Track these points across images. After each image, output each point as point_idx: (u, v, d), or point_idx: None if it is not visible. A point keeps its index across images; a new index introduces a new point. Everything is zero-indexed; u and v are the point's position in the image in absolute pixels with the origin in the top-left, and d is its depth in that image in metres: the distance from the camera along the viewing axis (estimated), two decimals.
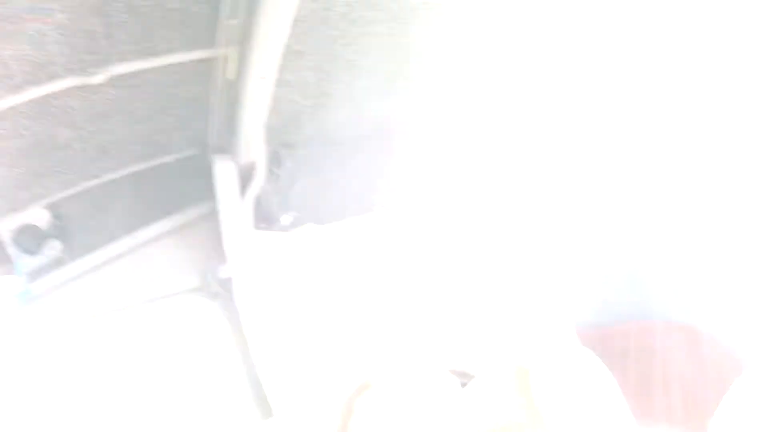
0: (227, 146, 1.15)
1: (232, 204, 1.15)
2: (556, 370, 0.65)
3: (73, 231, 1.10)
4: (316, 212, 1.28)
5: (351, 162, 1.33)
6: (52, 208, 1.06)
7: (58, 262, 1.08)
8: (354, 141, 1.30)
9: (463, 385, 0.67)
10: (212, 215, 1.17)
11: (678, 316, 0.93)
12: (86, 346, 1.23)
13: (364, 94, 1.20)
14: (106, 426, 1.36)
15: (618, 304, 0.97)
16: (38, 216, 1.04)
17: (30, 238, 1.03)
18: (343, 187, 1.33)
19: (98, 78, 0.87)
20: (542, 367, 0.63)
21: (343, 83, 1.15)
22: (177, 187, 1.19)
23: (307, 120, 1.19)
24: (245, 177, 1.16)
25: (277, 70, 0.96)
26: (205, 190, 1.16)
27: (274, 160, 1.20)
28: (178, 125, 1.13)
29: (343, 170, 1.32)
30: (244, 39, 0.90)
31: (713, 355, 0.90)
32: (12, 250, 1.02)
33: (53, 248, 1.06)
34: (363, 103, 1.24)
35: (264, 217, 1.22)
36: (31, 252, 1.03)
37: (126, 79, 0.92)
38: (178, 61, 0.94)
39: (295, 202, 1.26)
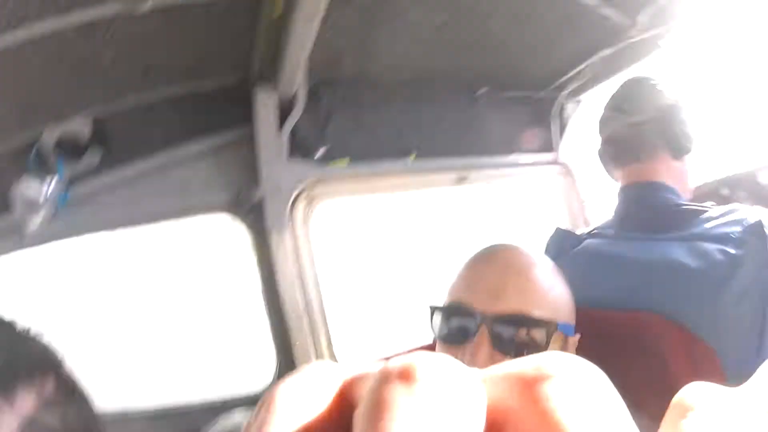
0: (269, 77, 1.17)
1: (269, 132, 1.20)
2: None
3: (112, 143, 1.13)
4: (348, 149, 1.35)
5: (387, 105, 1.38)
6: (95, 120, 1.09)
7: (96, 171, 1.12)
8: (393, 86, 1.35)
9: None
10: (249, 141, 1.21)
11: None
12: (116, 254, 1.29)
13: (408, 42, 1.24)
14: (127, 333, 1.45)
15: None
16: (81, 125, 1.06)
17: (71, 146, 1.06)
18: (377, 128, 1.39)
19: (146, 6, 0.89)
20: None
21: (388, 30, 1.18)
22: (216, 111, 1.23)
23: (349, 60, 1.23)
24: (284, 108, 1.20)
25: (324, 9, 0.98)
26: (244, 117, 1.21)
27: (313, 95, 1.24)
28: (221, 54, 1.16)
29: (379, 112, 1.38)
30: None
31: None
32: (54, 156, 1.05)
33: (93, 157, 1.09)
34: (406, 51, 1.27)
35: (298, 148, 1.27)
36: (71, 158, 1.06)
37: (172, 8, 0.94)
38: None
39: (329, 137, 1.32)
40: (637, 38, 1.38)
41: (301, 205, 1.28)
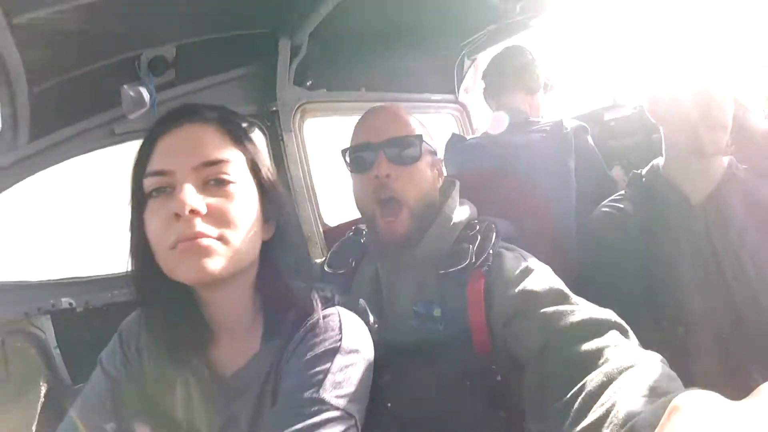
0: (287, 33, 1.79)
1: (284, 67, 1.82)
2: None
3: (180, 66, 1.66)
4: (325, 82, 2.00)
5: (351, 55, 2.03)
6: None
7: (171, 84, 1.65)
8: (355, 41, 1.99)
9: None
10: (269, 72, 1.83)
11: None
12: None
13: (369, 14, 1.86)
14: None
15: None
16: (168, 51, 1.59)
17: (158, 65, 1.58)
18: (343, 70, 2.06)
19: None
20: None
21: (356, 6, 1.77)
22: (249, 50, 1.79)
23: (330, 24, 1.78)
24: (293, 52, 1.83)
25: None
26: (267, 55, 1.80)
27: (309, 45, 1.86)
28: (257, 13, 1.69)
29: (345, 59, 2.03)
30: None
31: None
32: (146, 72, 1.56)
33: (170, 74, 1.62)
34: (367, 19, 1.89)
35: (298, 78, 1.90)
36: (158, 74, 1.58)
37: None
38: None
39: (314, 73, 1.96)
40: (515, 19, 2.11)
41: (298, 116, 1.94)
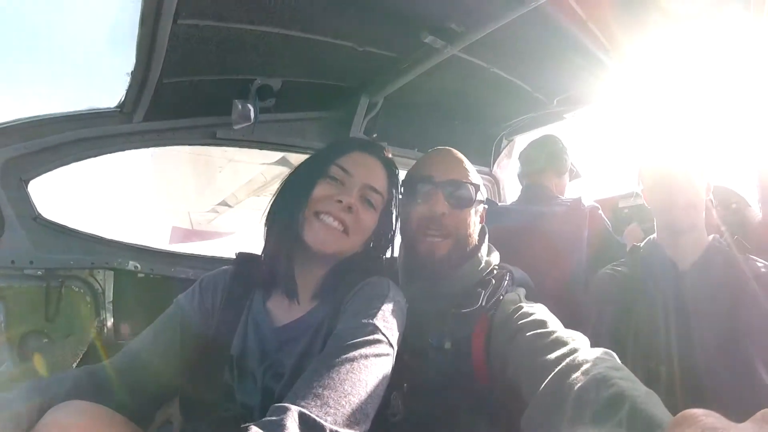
0: (369, 92, 2.13)
1: (359, 119, 2.20)
2: None
3: (279, 98, 1.96)
4: (389, 138, 2.32)
5: (410, 121, 2.40)
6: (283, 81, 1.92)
7: (270, 109, 1.95)
8: (416, 109, 2.37)
9: None
10: (345, 120, 2.18)
11: None
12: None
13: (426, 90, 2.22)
14: None
15: None
16: (276, 82, 1.89)
17: (264, 92, 1.87)
18: (403, 130, 2.39)
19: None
20: None
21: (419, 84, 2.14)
22: (333, 99, 2.15)
23: (399, 94, 2.16)
24: (370, 108, 2.18)
25: None
26: (347, 107, 2.17)
27: (385, 103, 2.20)
28: (348, 66, 2.01)
29: (405, 122, 2.38)
30: None
31: None
32: (254, 95, 1.86)
33: (271, 102, 1.92)
34: (428, 90, 2.25)
35: (367, 130, 2.25)
36: (262, 99, 1.88)
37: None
38: None
39: (381, 128, 2.30)
40: (551, 111, 2.47)
41: None
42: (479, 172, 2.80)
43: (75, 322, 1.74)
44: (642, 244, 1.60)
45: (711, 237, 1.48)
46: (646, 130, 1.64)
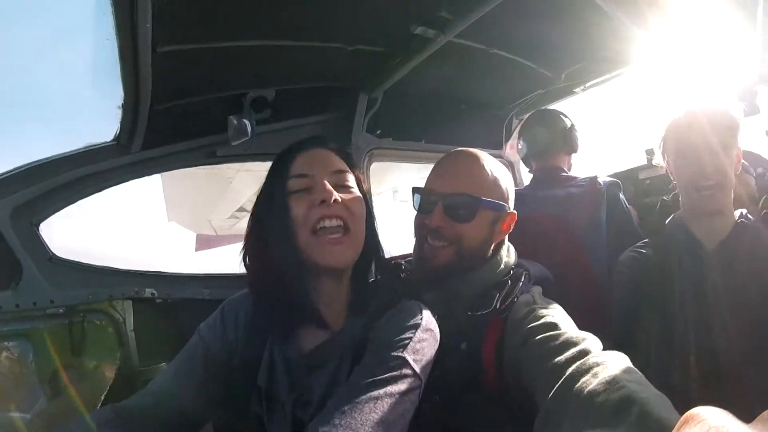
0: (367, 89, 2.08)
1: (360, 116, 2.15)
2: None
3: (275, 107, 1.93)
4: (392, 133, 2.27)
5: (414, 112, 2.33)
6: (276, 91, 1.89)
7: (267, 120, 1.92)
8: (419, 101, 2.30)
9: None
10: (347, 119, 2.15)
11: None
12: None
13: (430, 83, 2.14)
14: None
15: None
16: (269, 93, 1.86)
17: (259, 104, 1.84)
18: (408, 123, 2.33)
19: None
20: None
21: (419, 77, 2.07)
22: (333, 101, 2.12)
23: (401, 88, 2.10)
24: (370, 105, 2.13)
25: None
26: (348, 106, 2.13)
27: (382, 100, 2.15)
28: (345, 75, 1.97)
29: (409, 115, 2.33)
30: None
31: None
32: (249, 108, 1.83)
33: (267, 113, 1.89)
34: (431, 86, 2.17)
35: (369, 127, 2.22)
36: (258, 111, 1.85)
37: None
38: None
39: (384, 124, 2.25)
40: (560, 86, 2.39)
41: (367, 159, 2.19)
42: (492, 156, 2.78)
43: (100, 353, 1.78)
44: (667, 222, 1.50)
45: (738, 213, 1.38)
46: (670, 101, 1.53)
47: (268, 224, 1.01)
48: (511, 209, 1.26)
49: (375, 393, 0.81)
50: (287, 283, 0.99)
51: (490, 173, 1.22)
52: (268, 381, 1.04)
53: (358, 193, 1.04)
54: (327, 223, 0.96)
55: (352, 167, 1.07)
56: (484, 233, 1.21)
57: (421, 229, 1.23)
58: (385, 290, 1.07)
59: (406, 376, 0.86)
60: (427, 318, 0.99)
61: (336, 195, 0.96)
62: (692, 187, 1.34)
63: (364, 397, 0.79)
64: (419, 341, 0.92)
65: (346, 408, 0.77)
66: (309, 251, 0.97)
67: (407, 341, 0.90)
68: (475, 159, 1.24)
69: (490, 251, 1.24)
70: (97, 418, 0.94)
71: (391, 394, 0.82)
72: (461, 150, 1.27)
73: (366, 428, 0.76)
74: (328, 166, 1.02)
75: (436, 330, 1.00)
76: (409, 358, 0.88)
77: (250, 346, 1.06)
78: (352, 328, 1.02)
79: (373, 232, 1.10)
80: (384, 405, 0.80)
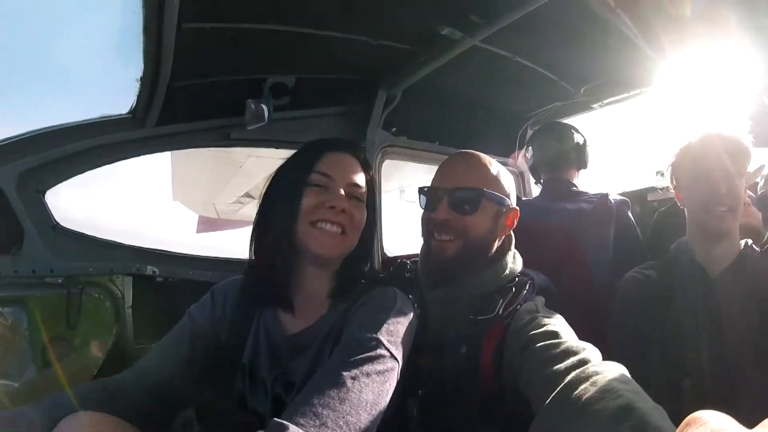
0: (385, 85, 2.05)
1: (377, 112, 2.13)
2: None
3: (294, 95, 1.91)
4: (407, 131, 2.25)
5: (430, 113, 2.32)
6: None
7: (285, 108, 1.90)
8: (435, 102, 2.30)
9: None
10: (364, 114, 2.13)
11: None
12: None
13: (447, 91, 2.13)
14: None
15: None
16: (289, 80, 1.84)
17: (278, 90, 1.83)
18: (423, 123, 2.31)
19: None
20: None
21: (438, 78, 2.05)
22: (350, 94, 2.10)
23: (419, 87, 2.08)
24: (388, 102, 2.11)
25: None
26: (366, 100, 2.11)
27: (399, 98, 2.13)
28: (364, 60, 1.95)
29: (425, 115, 2.31)
30: None
31: None
32: (268, 93, 1.81)
33: (285, 99, 1.87)
34: (447, 89, 2.16)
35: (385, 124, 2.19)
36: (276, 97, 1.83)
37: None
38: None
39: (399, 122, 2.24)
40: (578, 100, 2.39)
41: (380, 156, 2.17)
42: (504, 164, 2.77)
43: (96, 327, 1.75)
44: (672, 246, 1.49)
45: (743, 242, 1.37)
46: (683, 124, 1.52)
47: (278, 203, 1.07)
48: (514, 206, 1.29)
49: (352, 372, 0.82)
50: (276, 262, 1.06)
51: (491, 170, 1.27)
52: (252, 359, 1.09)
53: (364, 207, 1.11)
54: (328, 226, 1.03)
55: (368, 173, 1.14)
56: (488, 226, 1.23)
57: (428, 225, 1.26)
58: (367, 280, 1.14)
59: (381, 356, 0.88)
60: (402, 301, 1.04)
61: (345, 205, 1.03)
62: (704, 211, 1.33)
63: (341, 377, 0.81)
64: (393, 323, 0.95)
65: (324, 388, 0.79)
66: (304, 238, 1.03)
67: (381, 323, 0.93)
68: (477, 157, 1.29)
69: (495, 248, 1.27)
70: (82, 392, 0.94)
71: (367, 373, 0.83)
72: (463, 151, 1.33)
73: (344, 407, 0.77)
74: (350, 175, 1.08)
75: (411, 314, 1.03)
76: (383, 338, 0.91)
77: (237, 325, 1.11)
78: (333, 314, 1.07)
79: (372, 229, 1.17)
80: (361, 385, 0.81)
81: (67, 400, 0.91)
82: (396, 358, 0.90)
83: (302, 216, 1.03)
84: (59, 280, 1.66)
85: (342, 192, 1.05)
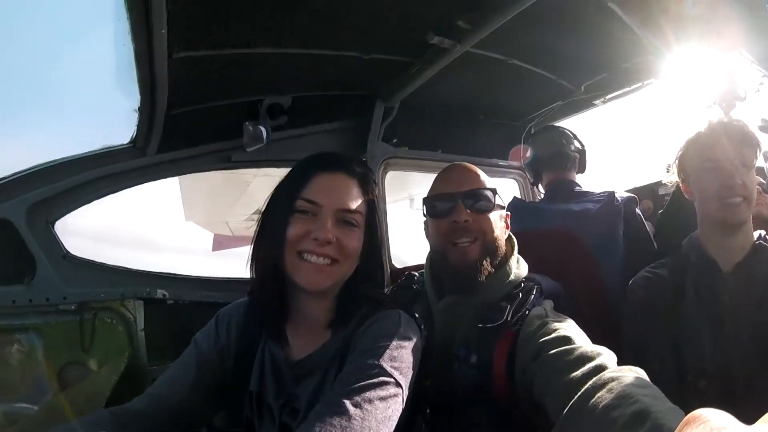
0: (383, 98, 2.07)
1: (376, 125, 2.15)
2: None
3: (291, 114, 1.93)
4: (408, 142, 2.26)
5: (429, 122, 2.31)
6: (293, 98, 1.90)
7: (283, 127, 1.93)
8: (434, 111, 2.30)
9: None
10: (363, 128, 2.13)
11: None
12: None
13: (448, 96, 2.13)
14: None
15: None
16: (285, 100, 1.87)
17: (275, 110, 1.86)
18: (423, 134, 2.32)
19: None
20: None
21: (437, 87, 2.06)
22: (349, 109, 2.12)
23: (417, 99, 2.09)
24: (386, 114, 2.13)
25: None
26: (364, 114, 2.13)
27: (398, 110, 2.14)
28: (359, 75, 1.97)
29: (425, 125, 2.31)
30: None
31: None
32: (264, 115, 1.84)
33: (283, 119, 1.90)
34: (446, 98, 2.17)
35: (385, 136, 2.20)
36: (273, 118, 1.86)
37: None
38: None
39: (399, 134, 2.24)
40: (580, 98, 2.35)
41: (382, 168, 2.19)
42: (509, 167, 2.78)
43: (110, 350, 1.79)
44: (683, 242, 1.45)
45: (757, 234, 1.32)
46: (689, 117, 1.48)
47: (267, 231, 1.03)
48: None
49: (354, 400, 0.81)
50: (268, 292, 1.02)
51: (483, 175, 1.29)
52: (259, 386, 1.07)
53: (359, 232, 1.02)
54: (314, 258, 0.96)
55: (367, 191, 1.05)
56: (499, 226, 1.25)
57: (446, 231, 1.23)
58: (369, 302, 1.07)
59: (384, 383, 0.86)
60: (406, 325, 0.99)
61: (331, 237, 0.95)
62: (718, 202, 1.28)
63: (344, 405, 0.80)
64: (397, 348, 0.92)
65: (327, 417, 0.78)
66: (291, 270, 0.98)
67: (383, 349, 0.91)
68: (472, 167, 1.31)
69: (504, 252, 1.27)
70: (93, 420, 0.95)
71: (370, 400, 0.82)
72: (456, 163, 1.34)
73: None
74: (340, 200, 1.00)
75: (416, 337, 0.99)
76: (386, 365, 0.89)
77: (242, 352, 1.09)
78: (337, 339, 1.03)
79: (376, 249, 1.09)
80: (364, 413, 0.81)
81: (79, 428, 0.92)
82: (400, 384, 0.88)
83: (288, 246, 0.97)
84: (72, 307, 1.71)
85: (329, 221, 0.97)
